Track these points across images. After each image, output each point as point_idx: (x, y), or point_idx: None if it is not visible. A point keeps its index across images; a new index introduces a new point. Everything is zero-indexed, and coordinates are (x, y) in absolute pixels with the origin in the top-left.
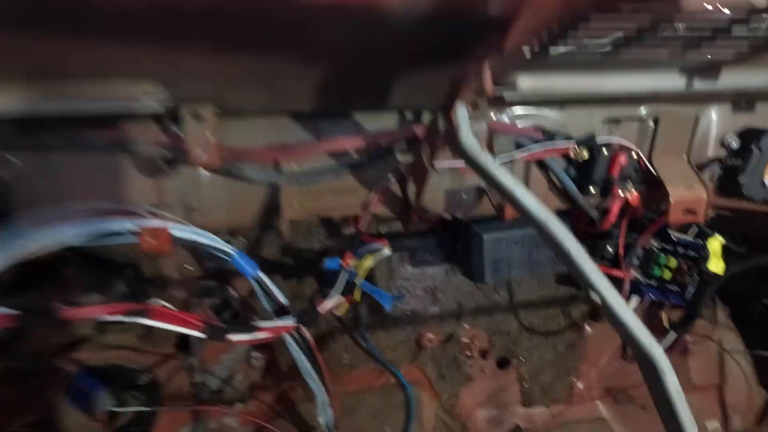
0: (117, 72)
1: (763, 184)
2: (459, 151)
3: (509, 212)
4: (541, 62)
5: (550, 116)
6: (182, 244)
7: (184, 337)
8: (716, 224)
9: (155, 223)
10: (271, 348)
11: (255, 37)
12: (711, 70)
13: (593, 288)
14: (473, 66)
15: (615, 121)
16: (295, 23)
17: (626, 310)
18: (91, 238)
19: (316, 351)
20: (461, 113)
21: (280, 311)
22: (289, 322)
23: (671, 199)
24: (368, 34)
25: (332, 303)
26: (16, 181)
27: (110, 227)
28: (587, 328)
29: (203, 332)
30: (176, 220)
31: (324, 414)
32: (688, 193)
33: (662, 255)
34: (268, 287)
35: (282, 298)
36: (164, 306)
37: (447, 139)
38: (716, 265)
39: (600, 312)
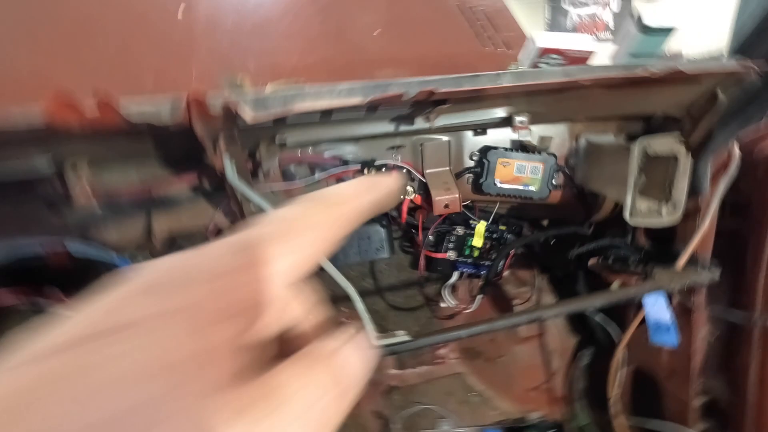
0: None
1: (495, 183)
2: (230, 188)
3: None
4: (296, 124)
5: (348, 149)
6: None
7: None
8: (509, 214)
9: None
10: None
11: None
12: (431, 115)
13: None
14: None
15: (397, 147)
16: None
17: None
18: (7, 257)
19: None
20: (226, 161)
21: None
22: None
23: (433, 198)
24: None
25: None
26: None
27: (23, 249)
28: (441, 303)
29: None
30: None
31: None
32: (446, 194)
33: (469, 238)
34: None
35: None
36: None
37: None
38: (477, 242)
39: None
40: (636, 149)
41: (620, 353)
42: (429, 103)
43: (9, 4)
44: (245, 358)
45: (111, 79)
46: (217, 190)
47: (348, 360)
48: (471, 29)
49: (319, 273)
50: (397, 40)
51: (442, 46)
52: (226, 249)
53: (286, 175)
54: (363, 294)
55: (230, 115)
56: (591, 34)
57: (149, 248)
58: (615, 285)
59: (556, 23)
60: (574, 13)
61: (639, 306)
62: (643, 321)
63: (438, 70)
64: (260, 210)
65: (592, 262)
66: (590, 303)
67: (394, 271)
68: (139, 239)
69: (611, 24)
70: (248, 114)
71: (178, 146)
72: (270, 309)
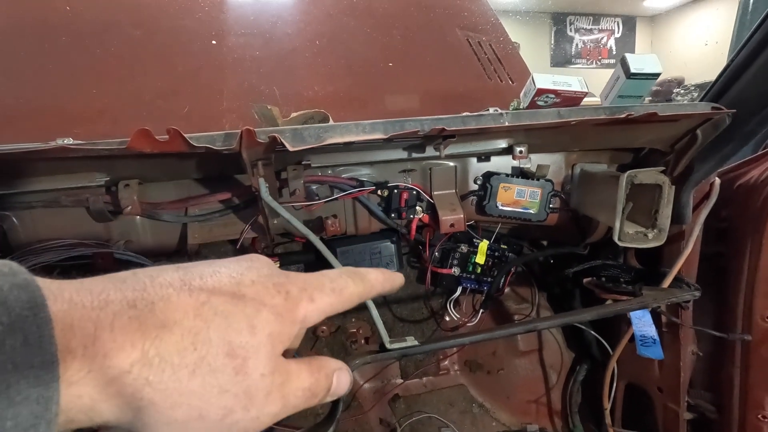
0: (80, 168)
1: (497, 205)
2: (264, 204)
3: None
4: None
5: (363, 171)
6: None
7: None
8: (509, 234)
9: (101, 249)
10: None
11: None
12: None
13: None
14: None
15: (408, 171)
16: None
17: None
18: (61, 256)
19: None
20: (261, 183)
21: None
22: None
23: (440, 218)
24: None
25: None
26: (12, 229)
27: (72, 254)
28: (446, 317)
29: None
30: (118, 248)
31: None
32: (452, 214)
33: (473, 255)
34: None
35: None
36: None
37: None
38: (480, 259)
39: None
40: (624, 180)
41: (612, 366)
42: (439, 136)
43: (62, 42)
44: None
45: (152, 104)
46: (245, 206)
47: (339, 379)
48: (479, 63)
49: None
50: (408, 72)
51: (452, 80)
52: (297, 288)
53: (308, 194)
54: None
55: (273, 145)
56: (595, 60)
57: (181, 254)
58: (609, 302)
59: (560, 50)
60: (579, 40)
61: (629, 323)
62: (633, 336)
63: (447, 102)
64: (288, 224)
65: (586, 280)
66: (582, 316)
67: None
68: (173, 246)
69: (614, 50)
70: (290, 145)
71: (215, 169)
72: (299, 325)
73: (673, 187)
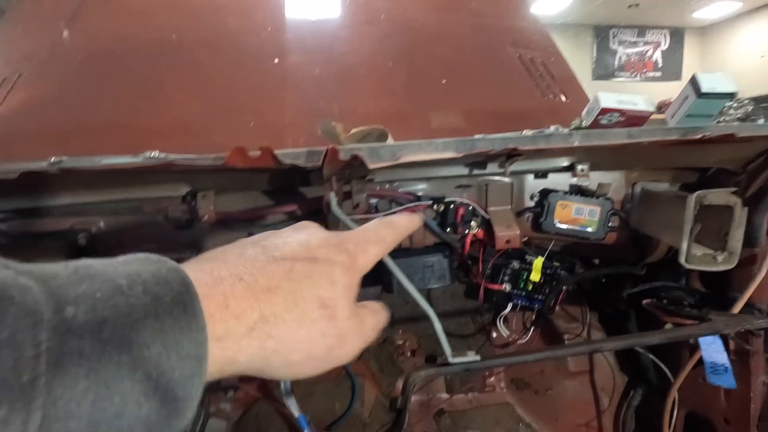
0: (168, 180)
1: (554, 223)
2: (332, 215)
3: None
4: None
5: (420, 186)
6: None
7: None
8: (568, 252)
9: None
10: None
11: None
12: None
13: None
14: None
15: (464, 186)
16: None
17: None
18: None
19: None
20: (331, 196)
21: None
22: None
23: (496, 234)
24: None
25: None
26: (99, 233)
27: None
28: (493, 332)
29: None
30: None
31: (284, 383)
32: (507, 231)
33: (524, 272)
34: None
35: None
36: None
37: (326, 208)
38: (535, 276)
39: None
40: (692, 200)
41: (674, 394)
42: (505, 154)
43: (136, 62)
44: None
45: (222, 119)
46: (307, 216)
47: (385, 316)
48: (531, 79)
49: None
50: (462, 88)
51: (505, 96)
52: (352, 244)
53: (368, 207)
54: (418, 319)
55: (353, 162)
56: (639, 73)
57: None
58: (669, 326)
59: (602, 63)
60: (623, 53)
61: (693, 348)
62: (698, 363)
63: (502, 119)
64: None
65: (646, 302)
66: (648, 339)
67: (449, 298)
68: None
69: (660, 63)
70: (369, 163)
71: (282, 181)
72: (360, 274)
73: (746, 208)
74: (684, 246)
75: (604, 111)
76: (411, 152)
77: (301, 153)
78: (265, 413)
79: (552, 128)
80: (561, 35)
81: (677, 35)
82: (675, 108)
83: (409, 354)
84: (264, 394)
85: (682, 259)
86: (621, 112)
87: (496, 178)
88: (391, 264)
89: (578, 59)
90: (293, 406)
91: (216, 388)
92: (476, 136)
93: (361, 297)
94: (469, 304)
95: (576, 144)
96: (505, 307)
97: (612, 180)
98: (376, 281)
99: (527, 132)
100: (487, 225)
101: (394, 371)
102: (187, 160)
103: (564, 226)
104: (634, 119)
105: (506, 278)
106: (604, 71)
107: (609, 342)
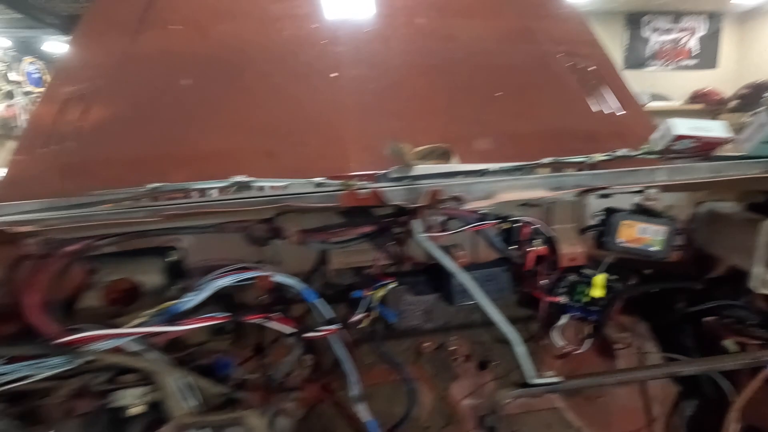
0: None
1: (618, 242)
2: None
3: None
4: None
5: (484, 205)
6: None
7: (259, 343)
8: (623, 265)
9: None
10: (317, 352)
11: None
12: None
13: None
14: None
15: (529, 205)
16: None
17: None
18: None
19: (350, 347)
20: (416, 223)
21: (329, 322)
22: (336, 326)
23: (561, 251)
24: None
25: (358, 317)
26: (190, 249)
27: (242, 277)
28: (544, 341)
29: (298, 330)
30: (272, 269)
31: (355, 388)
32: (571, 248)
33: (579, 285)
34: (323, 307)
35: (330, 313)
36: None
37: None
38: (597, 292)
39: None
40: (766, 226)
41: (736, 411)
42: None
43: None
44: None
45: (286, 138)
46: (377, 235)
47: None
48: (582, 90)
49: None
50: (517, 103)
51: (562, 112)
52: None
53: (441, 227)
54: (470, 326)
55: (448, 200)
56: (672, 61)
57: (319, 275)
58: (730, 344)
59: (634, 51)
60: (656, 41)
61: (757, 367)
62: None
63: (560, 139)
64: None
65: (708, 319)
66: (727, 364)
67: (501, 308)
68: (309, 268)
69: (695, 50)
70: (468, 204)
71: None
72: None
73: None
74: (755, 270)
75: (679, 138)
76: (505, 190)
77: (400, 192)
78: (329, 414)
79: (622, 151)
80: (591, 23)
81: (715, 20)
82: (749, 133)
83: (462, 359)
84: (327, 396)
85: (753, 284)
86: (697, 138)
87: (562, 199)
88: (462, 276)
89: (609, 48)
90: (363, 411)
91: (280, 389)
92: (563, 173)
93: (416, 303)
94: (520, 312)
95: (659, 180)
96: (559, 319)
97: (677, 200)
98: (434, 289)
99: (598, 156)
100: (550, 243)
101: (448, 376)
102: (301, 201)
103: (628, 245)
104: (708, 145)
105: (563, 291)
106: (635, 60)
107: (689, 366)
